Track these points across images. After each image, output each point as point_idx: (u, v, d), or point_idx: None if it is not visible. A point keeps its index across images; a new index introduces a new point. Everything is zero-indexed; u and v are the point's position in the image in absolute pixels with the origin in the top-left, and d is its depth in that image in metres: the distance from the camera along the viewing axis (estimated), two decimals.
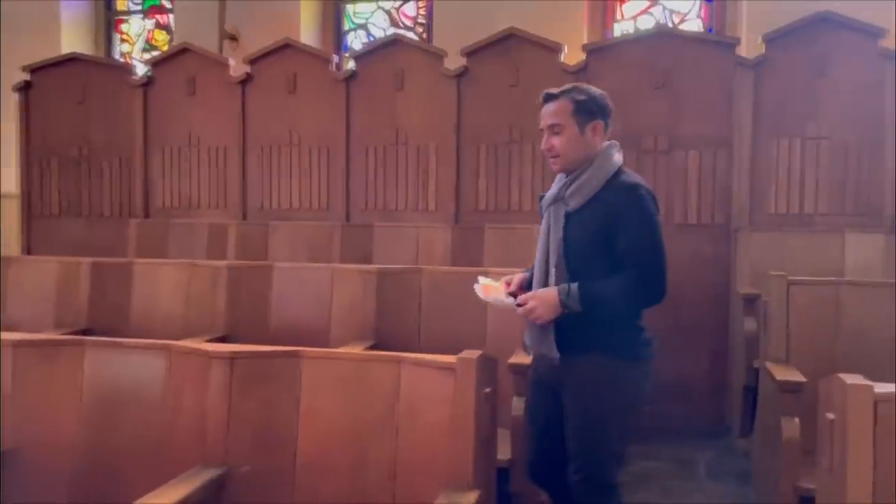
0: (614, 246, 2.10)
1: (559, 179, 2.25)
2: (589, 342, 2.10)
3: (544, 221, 2.22)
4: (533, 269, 2.27)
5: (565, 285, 2.09)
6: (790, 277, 2.91)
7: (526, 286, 2.25)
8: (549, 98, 2.19)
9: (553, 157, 2.19)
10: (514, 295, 2.23)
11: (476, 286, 2.27)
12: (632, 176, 2.18)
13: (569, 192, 2.15)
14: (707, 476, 3.54)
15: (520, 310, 2.14)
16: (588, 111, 2.16)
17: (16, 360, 2.20)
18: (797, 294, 2.87)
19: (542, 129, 2.20)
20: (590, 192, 2.13)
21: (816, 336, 2.87)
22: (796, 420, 2.55)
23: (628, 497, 3.26)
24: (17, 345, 2.21)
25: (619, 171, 2.16)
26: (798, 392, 2.57)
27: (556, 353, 2.13)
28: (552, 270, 2.15)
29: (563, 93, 2.17)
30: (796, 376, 2.62)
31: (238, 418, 2.03)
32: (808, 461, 2.60)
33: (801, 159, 4.04)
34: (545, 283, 2.17)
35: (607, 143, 2.21)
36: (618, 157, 2.19)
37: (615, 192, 2.12)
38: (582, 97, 2.16)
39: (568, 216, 2.15)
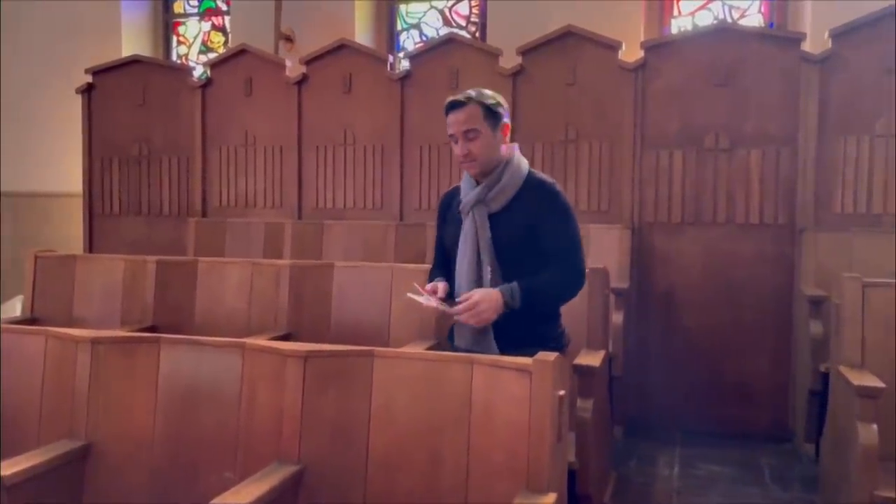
0: (539, 242, 2.19)
1: (469, 183, 2.29)
2: (525, 338, 2.14)
3: (469, 223, 2.25)
4: (454, 271, 2.28)
5: (507, 286, 2.15)
6: (865, 280, 2.83)
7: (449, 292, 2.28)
8: (457, 105, 2.23)
9: (470, 161, 2.23)
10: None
11: (410, 295, 2.27)
12: (542, 175, 2.30)
13: (490, 195, 2.22)
14: (772, 481, 3.47)
15: (464, 315, 2.13)
16: (497, 114, 2.22)
17: (94, 356, 2.25)
18: (873, 297, 2.79)
19: (452, 136, 2.24)
20: (511, 194, 2.22)
21: (892, 340, 2.78)
22: (874, 426, 2.48)
23: (691, 501, 3.23)
24: (96, 341, 2.26)
25: (530, 172, 2.27)
26: (876, 398, 2.49)
27: (496, 351, 2.15)
28: (486, 269, 2.20)
29: (469, 99, 2.22)
30: (874, 381, 2.54)
31: (312, 416, 2.05)
32: (885, 468, 2.53)
33: (869, 158, 3.92)
34: (478, 282, 2.21)
35: (512, 144, 2.28)
36: (525, 159, 2.30)
37: (533, 192, 2.23)
38: (490, 101, 2.22)
39: (492, 217, 2.22)
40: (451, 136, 2.25)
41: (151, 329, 3.45)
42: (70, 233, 5.69)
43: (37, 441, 2.26)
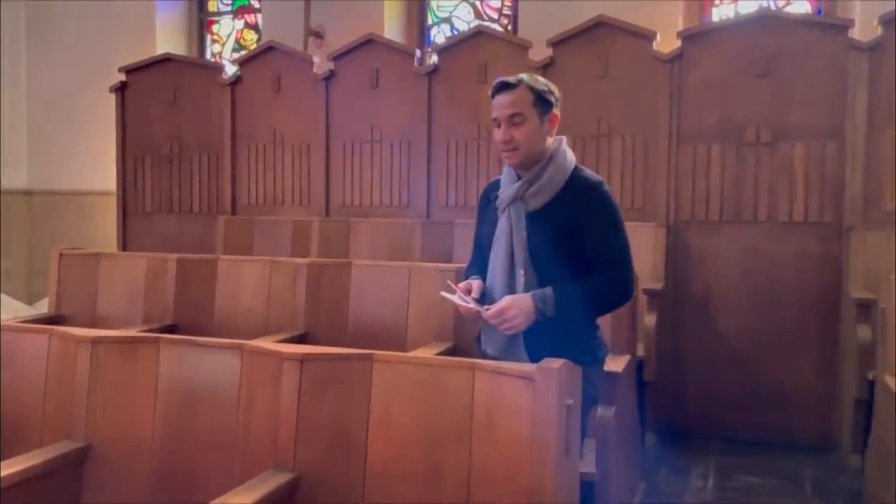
0: (581, 246, 2.01)
1: (510, 177, 2.11)
2: (558, 348, 1.92)
3: (504, 221, 2.08)
4: (488, 271, 2.13)
5: (540, 292, 1.98)
6: None
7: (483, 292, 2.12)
8: (506, 87, 2.04)
9: (511, 150, 2.04)
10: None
11: (444, 294, 2.14)
12: (590, 173, 2.10)
13: (529, 192, 2.05)
14: (814, 494, 3.26)
15: (494, 320, 1.99)
16: (548, 102, 2.05)
17: (94, 356, 2.21)
18: None
19: (495, 119, 2.05)
20: (552, 192, 2.04)
21: None
22: None
23: None
24: (96, 341, 2.22)
25: (576, 168, 2.08)
26: None
27: (527, 361, 1.98)
28: (519, 273, 2.03)
29: (520, 81, 2.04)
30: None
31: (308, 421, 1.96)
32: None
33: None
34: (511, 286, 2.05)
35: (558, 137, 2.11)
36: (572, 153, 2.11)
37: (578, 191, 2.04)
38: (541, 87, 2.05)
39: (530, 216, 2.04)
40: (494, 119, 2.06)
41: (172, 328, 3.43)
42: (107, 231, 5.76)
43: (40, 441, 2.22)
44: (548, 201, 2.05)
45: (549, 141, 2.08)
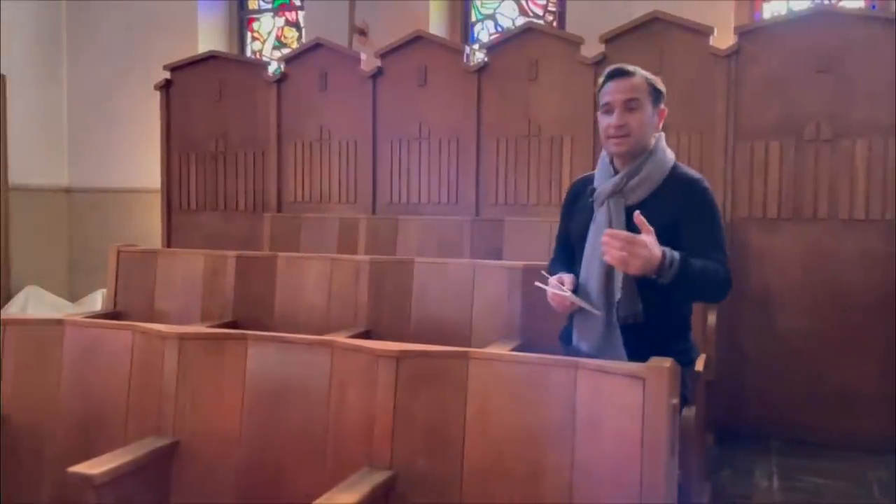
0: (680, 243, 1.95)
1: (606, 171, 2.09)
2: (655, 348, 1.88)
3: (602, 215, 2.04)
4: (580, 267, 2.09)
5: (670, 251, 1.85)
6: None
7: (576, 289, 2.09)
8: (623, 73, 2.04)
9: (622, 136, 2.01)
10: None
11: (539, 284, 2.12)
12: (690, 170, 2.10)
13: (630, 185, 2.02)
14: (882, 496, 3.21)
15: (614, 244, 1.82)
16: (660, 94, 2.07)
17: (181, 352, 2.20)
18: None
19: (606, 104, 2.03)
20: (652, 187, 2.03)
21: None
22: None
23: None
24: (183, 337, 2.21)
25: (675, 165, 2.08)
26: None
27: (624, 359, 1.96)
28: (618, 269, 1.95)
29: (636, 71, 2.04)
30: None
31: (404, 420, 1.95)
32: None
33: None
34: (609, 281, 2.01)
35: (658, 134, 2.10)
36: (671, 150, 2.11)
37: (678, 186, 2.02)
38: (655, 79, 2.07)
39: (628, 211, 1.99)
40: (605, 104, 2.04)
41: (232, 324, 3.43)
42: (150, 228, 5.78)
43: (124, 438, 2.22)
44: (647, 196, 2.03)
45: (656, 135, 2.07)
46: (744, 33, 4.01)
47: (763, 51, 3.95)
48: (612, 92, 2.02)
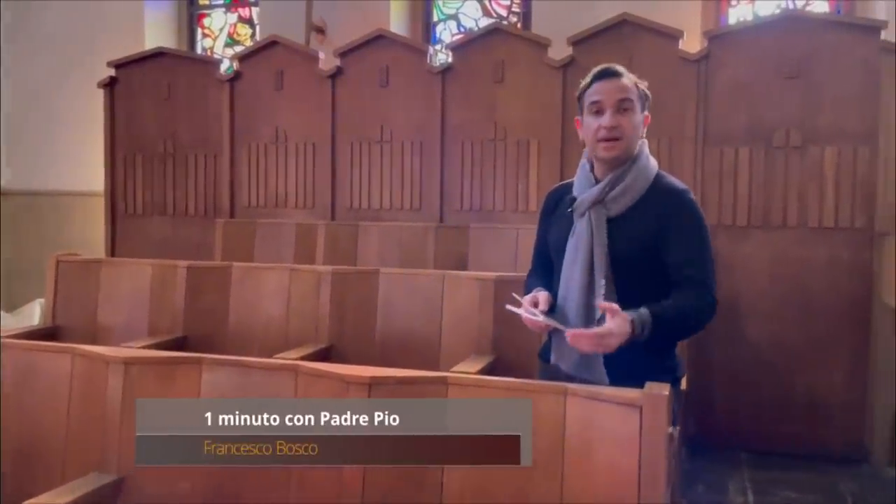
0: (663, 259, 1.86)
1: (586, 179, 1.96)
2: (637, 368, 1.78)
3: (581, 226, 1.91)
4: (558, 280, 1.96)
5: (636, 314, 1.74)
6: None
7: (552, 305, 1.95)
8: (614, 73, 1.91)
9: (614, 138, 1.88)
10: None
11: (510, 308, 1.94)
12: (674, 179, 1.97)
13: (611, 195, 1.90)
14: None
15: (585, 341, 1.74)
16: (647, 99, 1.94)
17: (126, 378, 1.99)
18: None
19: (596, 103, 1.89)
20: (635, 197, 1.90)
21: None
22: None
23: None
24: (129, 362, 2.01)
25: (659, 174, 1.95)
26: None
27: (605, 380, 1.83)
28: (599, 283, 1.87)
29: (625, 72, 1.92)
30: None
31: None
32: None
33: None
34: (589, 295, 1.88)
35: (641, 140, 1.96)
36: (654, 159, 1.98)
37: (663, 198, 1.90)
38: (643, 83, 1.94)
39: (609, 222, 1.89)
40: (594, 104, 1.89)
41: (182, 339, 3.21)
42: (92, 234, 5.45)
43: (62, 475, 2.01)
44: (630, 206, 1.90)
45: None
46: (713, 37, 3.95)
47: (732, 55, 3.89)
48: (601, 92, 1.89)
